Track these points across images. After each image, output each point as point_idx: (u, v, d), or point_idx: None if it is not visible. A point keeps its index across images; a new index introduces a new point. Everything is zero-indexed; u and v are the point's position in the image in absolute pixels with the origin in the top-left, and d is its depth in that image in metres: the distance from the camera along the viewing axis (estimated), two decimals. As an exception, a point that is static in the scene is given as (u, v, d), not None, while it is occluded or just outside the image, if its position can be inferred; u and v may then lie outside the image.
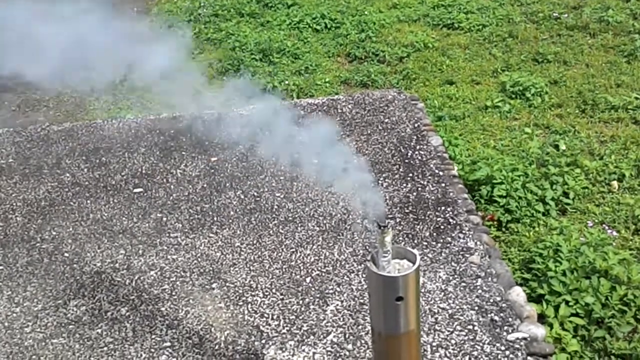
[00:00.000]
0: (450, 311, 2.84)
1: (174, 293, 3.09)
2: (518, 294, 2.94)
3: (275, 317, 2.90)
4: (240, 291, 3.07)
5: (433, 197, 3.62)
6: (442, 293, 2.95)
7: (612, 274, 3.17)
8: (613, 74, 5.69)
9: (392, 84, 6.02)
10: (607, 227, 3.83)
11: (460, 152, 4.50)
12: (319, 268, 3.17)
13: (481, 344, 2.67)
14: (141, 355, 2.76)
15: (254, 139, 3.93)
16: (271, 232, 3.47)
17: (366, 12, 7.53)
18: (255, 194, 3.81)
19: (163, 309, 3.00)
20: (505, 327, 2.74)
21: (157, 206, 3.77)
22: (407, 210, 3.54)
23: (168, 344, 2.81)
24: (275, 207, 3.67)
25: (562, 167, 4.22)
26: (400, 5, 7.80)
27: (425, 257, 3.17)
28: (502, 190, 3.98)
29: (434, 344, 2.69)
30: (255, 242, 3.40)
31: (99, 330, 2.90)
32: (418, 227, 3.40)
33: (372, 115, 4.54)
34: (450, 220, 3.43)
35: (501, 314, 2.80)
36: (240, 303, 3.00)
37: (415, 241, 3.30)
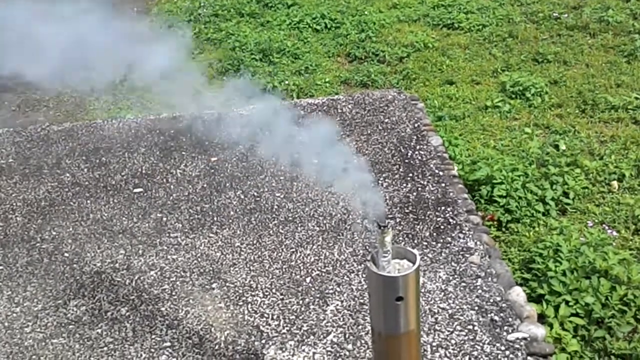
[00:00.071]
0: (450, 311, 2.84)
1: (174, 293, 3.09)
2: (518, 294, 2.94)
3: (275, 317, 2.90)
4: (240, 291, 3.07)
5: (433, 197, 3.62)
6: (442, 293, 2.95)
7: (612, 274, 3.17)
8: (613, 74, 5.69)
9: (392, 84, 6.02)
10: (607, 227, 3.83)
11: (460, 152, 4.50)
12: (319, 268, 3.17)
13: (481, 344, 2.67)
14: (141, 355, 2.76)
15: (254, 139, 3.93)
16: (271, 232, 3.47)
17: (366, 12, 7.53)
18: (255, 194, 3.81)
19: (163, 309, 3.00)
20: (505, 327, 2.74)
21: (157, 206, 3.77)
22: (407, 210, 3.54)
23: (168, 344, 2.81)
24: (275, 207, 3.67)
25: (562, 167, 4.22)
26: (400, 5, 7.80)
27: (425, 257, 3.17)
28: (502, 190, 3.98)
29: (434, 344, 2.69)
30: (255, 242, 3.40)
31: (99, 330, 2.90)
32: (418, 227, 3.40)
33: (372, 115, 4.54)
34: (450, 220, 3.42)
35: (501, 314, 2.80)
36: (240, 303, 3.00)
37: (415, 241, 3.30)
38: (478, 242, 3.24)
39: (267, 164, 4.06)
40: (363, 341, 2.72)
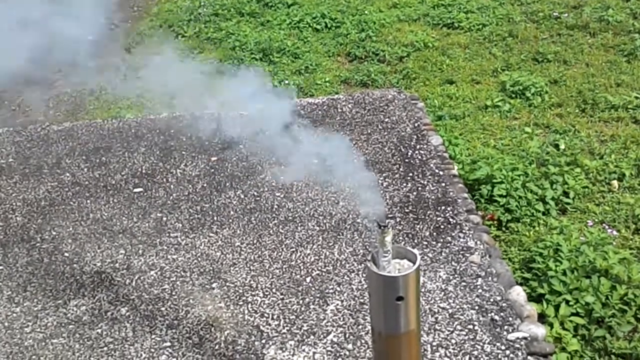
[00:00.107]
0: (450, 311, 2.84)
1: (174, 293, 3.09)
2: (518, 293, 2.94)
3: (275, 316, 2.89)
4: (241, 291, 3.07)
5: (433, 197, 3.62)
6: (443, 293, 2.94)
7: (612, 273, 3.17)
8: (613, 74, 5.68)
9: (392, 83, 6.02)
10: (607, 227, 3.83)
11: (460, 152, 4.50)
12: (319, 268, 3.17)
13: (481, 344, 2.66)
14: (141, 355, 2.76)
15: (254, 139, 3.93)
16: (271, 231, 3.47)
17: (366, 12, 7.52)
18: (255, 193, 3.81)
19: (163, 308, 3.00)
20: (506, 327, 2.73)
21: (157, 206, 3.77)
22: (407, 210, 3.53)
23: (168, 343, 2.81)
24: (275, 206, 3.67)
25: (562, 167, 4.22)
26: (401, 5, 7.80)
27: (426, 257, 3.17)
28: (502, 189, 3.98)
29: (434, 343, 2.69)
30: (255, 241, 3.40)
31: (99, 330, 2.90)
32: (418, 226, 3.40)
33: (372, 115, 4.54)
34: (451, 219, 3.42)
35: (501, 314, 2.80)
36: (241, 303, 2.99)
37: (416, 241, 3.30)
38: (478, 242, 3.24)
39: (267, 164, 4.06)
40: (363, 341, 2.72)
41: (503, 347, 2.64)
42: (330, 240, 3.36)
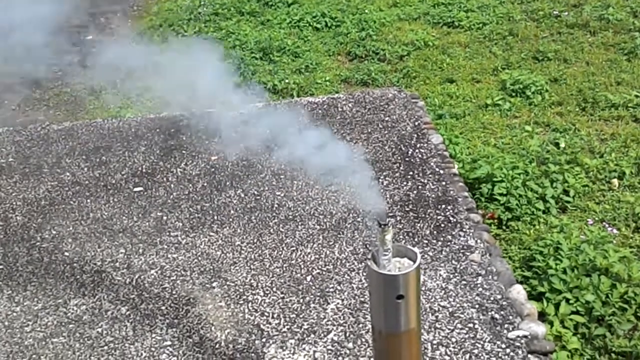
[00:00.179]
0: (450, 309, 2.84)
1: (174, 292, 3.09)
2: (518, 292, 2.94)
3: (275, 315, 2.90)
4: (241, 290, 3.07)
5: (433, 196, 3.61)
6: (443, 291, 2.94)
7: (612, 271, 3.16)
8: (613, 72, 5.68)
9: (392, 82, 6.01)
10: (607, 225, 3.83)
11: (461, 150, 4.50)
12: (320, 267, 3.17)
13: (482, 342, 2.66)
14: (141, 354, 2.76)
15: (254, 138, 3.93)
16: (271, 230, 3.46)
17: (366, 11, 7.52)
18: (256, 192, 3.81)
19: (163, 307, 3.00)
20: (506, 325, 2.73)
21: (157, 205, 3.77)
22: (407, 209, 3.53)
23: (168, 342, 2.81)
24: (276, 205, 3.67)
25: (562, 165, 4.22)
26: (401, 4, 7.80)
27: (426, 256, 3.17)
28: (502, 188, 3.98)
29: (435, 342, 2.69)
30: (255, 240, 3.40)
31: (100, 330, 2.90)
32: (418, 225, 3.40)
33: (372, 114, 4.54)
34: (451, 218, 3.42)
35: (502, 312, 2.80)
36: (241, 302, 3.00)
37: (416, 239, 3.30)
38: (478, 240, 3.24)
39: (267, 163, 4.06)
40: (363, 339, 2.72)
41: (503, 346, 2.64)
42: (330, 239, 3.36)
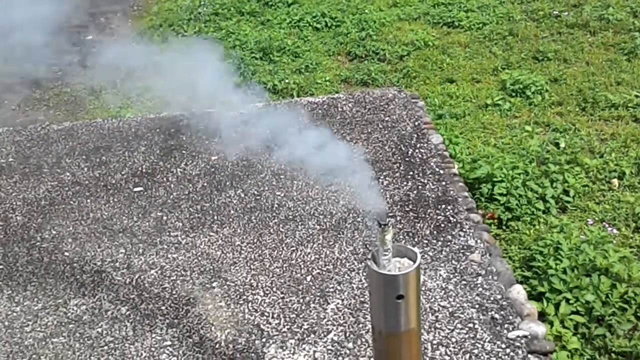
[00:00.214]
0: (450, 309, 2.84)
1: (174, 292, 3.09)
2: (518, 292, 2.94)
3: (275, 315, 2.90)
4: (241, 290, 3.07)
5: (433, 196, 3.61)
6: (443, 291, 2.94)
7: (612, 271, 3.16)
8: (613, 72, 5.68)
9: (392, 82, 6.01)
10: (607, 225, 3.83)
11: (461, 150, 4.50)
12: (320, 267, 3.17)
13: (482, 342, 2.66)
14: (142, 354, 2.76)
15: (254, 138, 3.93)
16: (271, 230, 3.46)
17: (366, 11, 7.52)
18: (256, 192, 3.81)
19: (163, 307, 3.00)
20: (506, 325, 2.73)
21: (157, 205, 3.77)
22: (407, 209, 3.53)
23: (168, 342, 2.81)
24: (276, 205, 3.67)
25: (562, 165, 4.22)
26: (401, 4, 7.80)
27: (426, 256, 3.17)
28: (502, 188, 3.98)
29: (435, 342, 2.69)
30: (255, 240, 3.40)
31: (99, 330, 2.90)
32: (418, 225, 3.40)
33: (372, 114, 4.54)
34: (451, 218, 3.42)
35: (502, 312, 2.80)
36: (241, 302, 2.99)
37: (416, 239, 3.30)
38: (478, 240, 3.24)
39: (267, 163, 4.06)
40: (363, 339, 2.72)
41: (503, 346, 2.64)
42: (330, 239, 3.36)
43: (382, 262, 2.08)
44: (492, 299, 2.87)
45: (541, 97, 5.39)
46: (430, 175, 3.79)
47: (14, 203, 3.89)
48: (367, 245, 3.28)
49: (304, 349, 2.71)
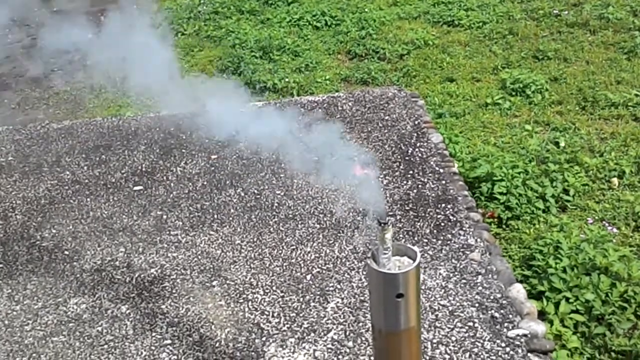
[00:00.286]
0: (450, 308, 2.84)
1: (174, 291, 3.09)
2: (518, 290, 2.94)
3: (275, 314, 2.90)
4: (241, 289, 3.07)
5: (433, 195, 3.62)
6: (443, 290, 2.94)
7: (612, 270, 3.17)
8: (613, 71, 5.68)
9: (392, 81, 6.01)
10: (607, 224, 3.83)
11: (461, 149, 4.50)
12: (320, 265, 3.17)
13: (482, 341, 2.67)
14: (142, 353, 2.76)
15: (254, 137, 3.92)
16: (271, 229, 3.47)
17: (366, 10, 7.52)
18: (256, 191, 3.81)
19: (163, 306, 3.00)
20: (506, 324, 2.74)
21: (157, 204, 3.77)
22: (407, 208, 3.53)
23: (168, 341, 2.81)
24: (276, 204, 3.67)
25: (562, 164, 4.22)
26: (401, 3, 7.79)
27: (426, 254, 3.17)
28: (502, 187, 3.98)
29: (435, 340, 2.69)
30: (255, 239, 3.40)
31: (99, 328, 2.91)
32: (418, 224, 3.40)
33: (372, 113, 4.54)
34: (451, 217, 3.42)
35: (501, 311, 2.80)
36: (241, 301, 3.00)
37: (416, 238, 3.30)
38: (478, 239, 3.24)
39: (267, 162, 4.06)
40: (363, 338, 2.72)
41: (503, 344, 2.64)
42: (330, 237, 3.36)
43: (382, 260, 2.08)
44: (492, 297, 2.88)
45: (541, 96, 5.39)
46: (430, 174, 3.79)
47: (14, 202, 3.89)
48: (367, 244, 3.28)
49: (304, 347, 2.71)
